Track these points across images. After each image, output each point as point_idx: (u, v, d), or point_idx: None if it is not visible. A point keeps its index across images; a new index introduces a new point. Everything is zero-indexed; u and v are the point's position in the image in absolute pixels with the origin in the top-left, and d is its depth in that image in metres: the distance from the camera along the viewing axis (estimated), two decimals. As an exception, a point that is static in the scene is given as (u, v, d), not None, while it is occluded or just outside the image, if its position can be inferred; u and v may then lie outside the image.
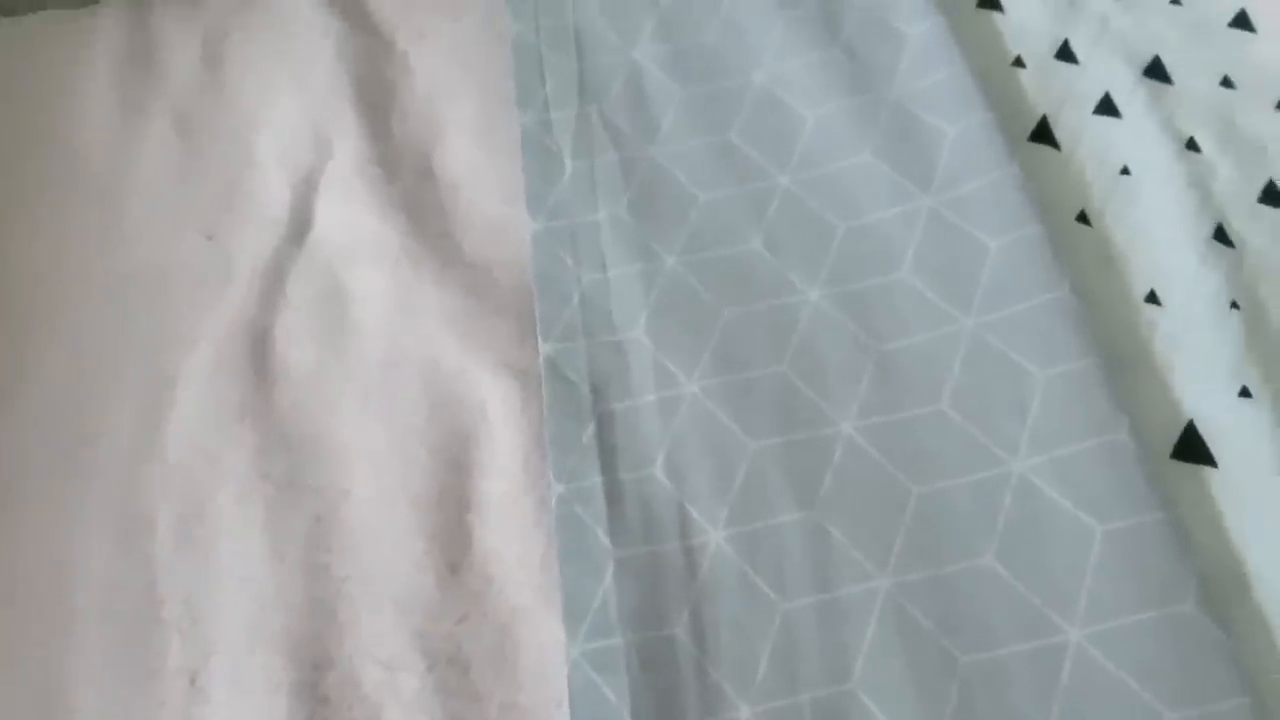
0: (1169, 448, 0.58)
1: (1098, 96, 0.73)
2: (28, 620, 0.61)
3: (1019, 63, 0.76)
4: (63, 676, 0.58)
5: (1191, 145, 0.70)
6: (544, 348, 0.65)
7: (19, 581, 0.62)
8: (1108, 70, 0.74)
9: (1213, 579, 0.53)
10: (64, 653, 0.59)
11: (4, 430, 0.68)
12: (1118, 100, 0.72)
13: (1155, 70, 0.74)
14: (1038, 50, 0.76)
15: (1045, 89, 0.74)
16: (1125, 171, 0.69)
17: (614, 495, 0.59)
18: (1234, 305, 0.62)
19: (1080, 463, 0.56)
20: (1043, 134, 0.72)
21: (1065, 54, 0.76)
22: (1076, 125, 0.72)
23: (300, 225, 0.74)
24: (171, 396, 0.68)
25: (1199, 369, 0.60)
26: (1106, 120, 0.72)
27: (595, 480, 0.60)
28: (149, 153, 0.80)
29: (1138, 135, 0.70)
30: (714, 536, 0.57)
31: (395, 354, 0.67)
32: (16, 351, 0.71)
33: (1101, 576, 0.52)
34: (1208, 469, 0.57)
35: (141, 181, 0.79)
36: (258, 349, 0.69)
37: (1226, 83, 0.73)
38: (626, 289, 0.67)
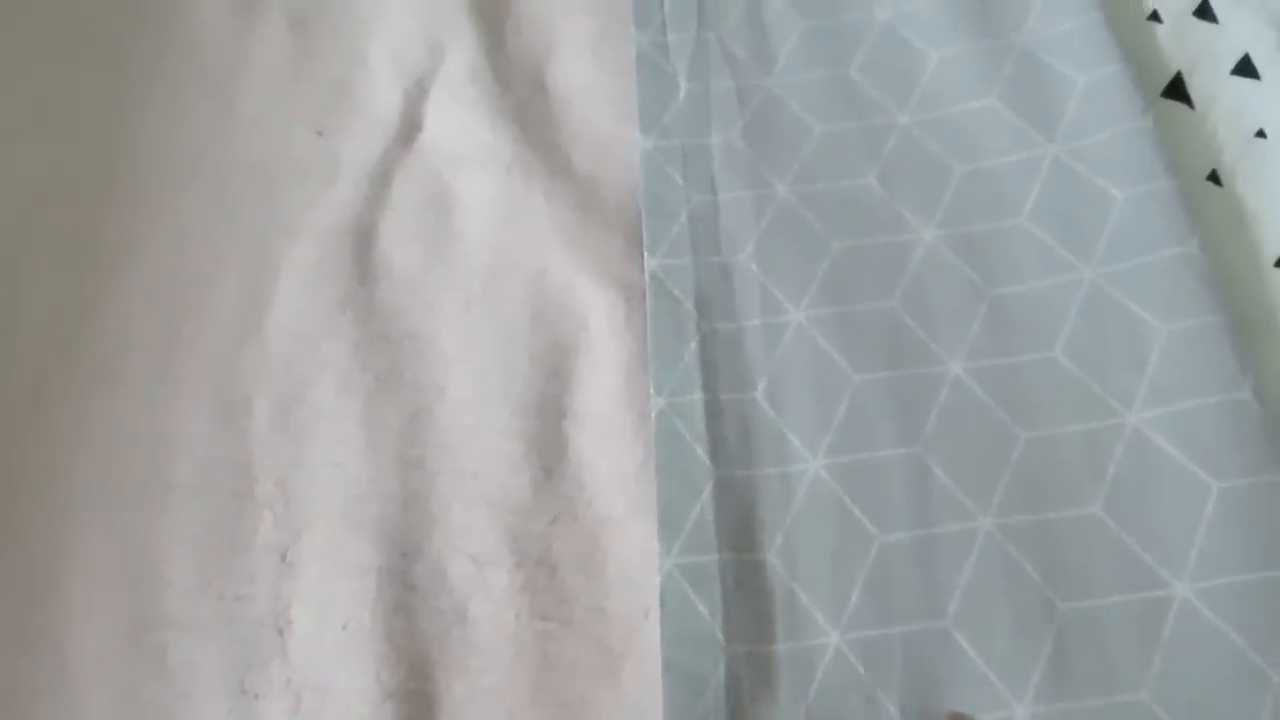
0: (1292, 418, 0.56)
1: (1237, 56, 0.70)
2: (125, 488, 0.61)
3: (1155, 17, 0.73)
4: (157, 544, 0.59)
5: (1334, 114, 0.67)
6: (650, 262, 0.64)
7: (119, 451, 0.63)
8: (1250, 31, 0.70)
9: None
10: (159, 521, 0.60)
11: (109, 305, 0.69)
12: (1258, 62, 0.69)
13: (1300, 35, 0.71)
14: (1176, 6, 0.73)
15: (1181, 46, 0.71)
16: (1261, 134, 0.66)
17: (714, 414, 0.59)
18: (1370, 277, 0.59)
19: (1200, 418, 0.54)
20: (1176, 91, 0.70)
21: (1204, 12, 0.73)
22: (1212, 84, 0.69)
23: (409, 128, 0.74)
24: (274, 285, 0.68)
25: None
26: (1244, 81, 0.69)
27: (696, 397, 0.59)
28: (261, 47, 0.80)
29: (1277, 98, 0.67)
30: (813, 465, 0.57)
31: (500, 261, 0.66)
32: (123, 231, 0.72)
33: (1214, 534, 0.51)
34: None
35: (253, 75, 0.79)
36: (361, 246, 0.69)
37: (1375, 51, 0.70)
38: (736, 214, 0.66)
